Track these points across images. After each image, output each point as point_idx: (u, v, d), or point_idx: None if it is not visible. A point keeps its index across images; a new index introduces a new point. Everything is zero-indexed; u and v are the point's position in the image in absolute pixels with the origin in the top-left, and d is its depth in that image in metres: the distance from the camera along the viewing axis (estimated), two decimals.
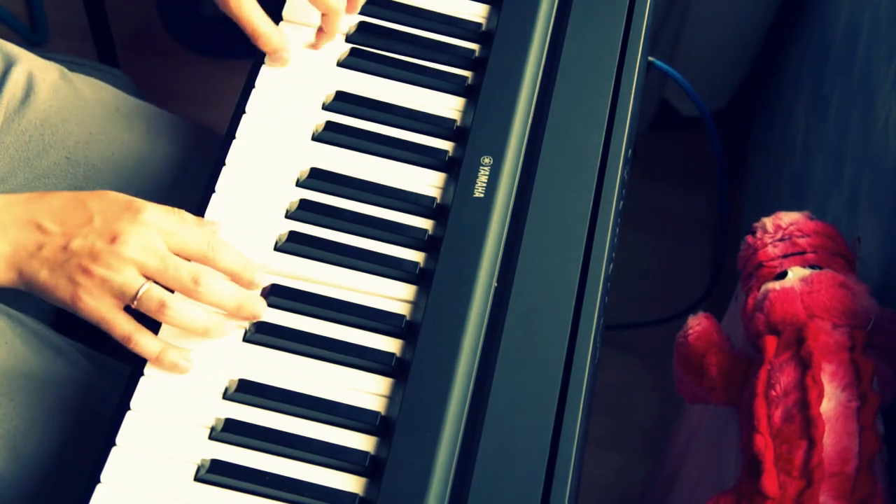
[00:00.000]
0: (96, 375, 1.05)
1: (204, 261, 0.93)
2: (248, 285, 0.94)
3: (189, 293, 0.91)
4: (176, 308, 0.90)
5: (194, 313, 0.91)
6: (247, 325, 0.94)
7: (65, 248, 0.90)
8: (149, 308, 0.90)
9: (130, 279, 0.90)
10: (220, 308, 0.92)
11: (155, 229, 0.91)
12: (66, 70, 1.17)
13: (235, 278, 0.94)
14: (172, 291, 0.92)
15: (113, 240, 0.90)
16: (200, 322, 0.91)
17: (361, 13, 1.12)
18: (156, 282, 0.91)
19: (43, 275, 0.90)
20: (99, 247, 0.90)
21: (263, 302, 0.94)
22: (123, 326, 0.90)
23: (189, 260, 0.93)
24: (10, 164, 1.10)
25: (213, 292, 0.91)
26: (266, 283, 0.96)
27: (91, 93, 1.16)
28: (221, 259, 0.93)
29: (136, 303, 0.90)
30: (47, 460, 0.98)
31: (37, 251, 0.90)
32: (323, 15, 1.07)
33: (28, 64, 1.13)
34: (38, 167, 1.11)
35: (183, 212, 0.94)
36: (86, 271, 0.89)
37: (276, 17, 1.10)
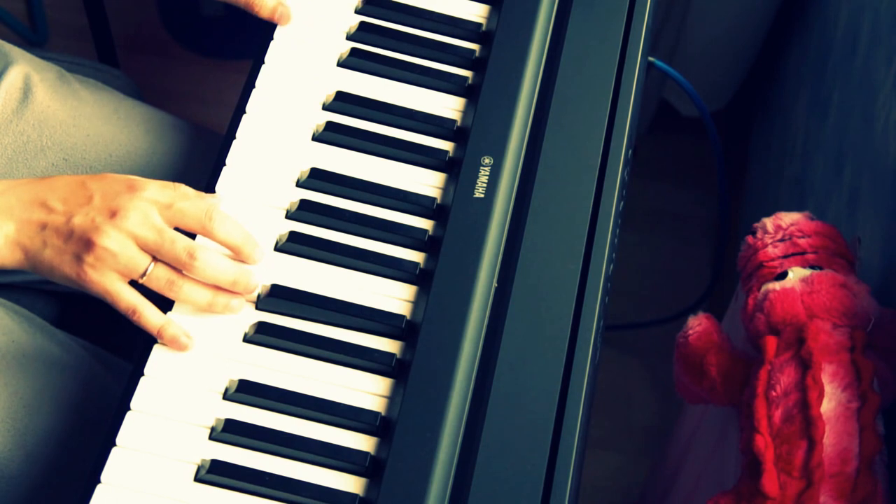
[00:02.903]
0: (100, 371, 1.05)
1: (202, 231, 0.94)
2: (247, 259, 0.95)
3: (184, 267, 0.93)
4: (183, 284, 0.92)
5: (198, 289, 0.93)
6: (255, 297, 0.95)
7: (66, 224, 0.92)
8: (158, 285, 0.92)
9: (135, 255, 0.92)
10: (216, 282, 0.94)
11: (153, 204, 0.93)
12: (64, 71, 1.17)
13: (236, 252, 0.95)
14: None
15: (113, 215, 0.92)
16: (205, 298, 0.93)
17: (361, 13, 1.12)
18: (155, 256, 0.93)
19: (47, 253, 0.92)
20: (99, 222, 0.92)
21: (256, 276, 0.95)
22: (129, 299, 0.92)
23: (189, 231, 0.94)
24: (7, 164, 1.10)
25: (209, 266, 0.93)
26: (264, 257, 0.96)
27: (89, 94, 1.16)
28: (220, 230, 0.94)
29: (144, 279, 0.92)
30: (53, 455, 0.99)
31: (40, 230, 0.93)
32: None
33: (25, 64, 1.13)
34: (36, 168, 1.11)
35: (182, 185, 0.96)
36: (89, 245, 0.91)
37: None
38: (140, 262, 0.92)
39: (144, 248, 0.92)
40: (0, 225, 0.93)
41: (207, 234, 0.94)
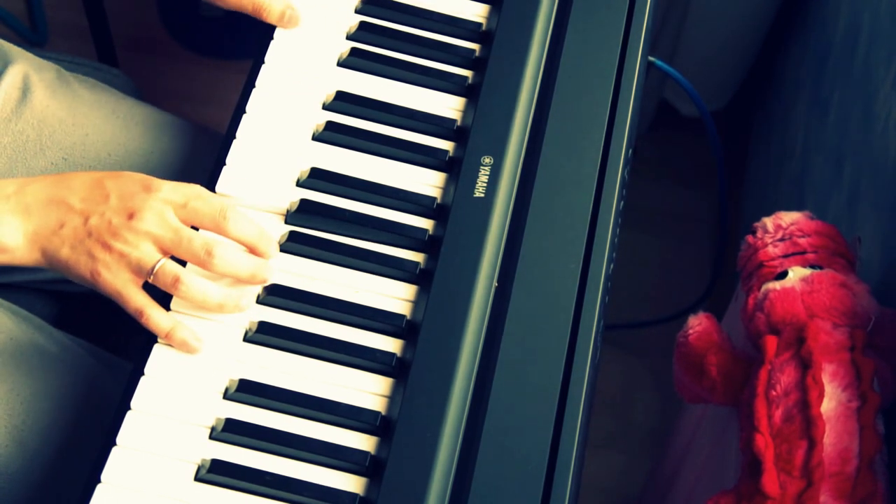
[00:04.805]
0: (100, 370, 1.06)
1: (216, 230, 0.94)
2: (263, 255, 0.96)
3: (202, 264, 0.93)
4: (189, 282, 0.92)
5: (208, 288, 0.93)
6: (258, 290, 0.94)
7: (84, 225, 0.93)
8: (164, 283, 0.92)
9: (147, 254, 0.92)
10: (235, 277, 0.94)
11: (168, 203, 0.93)
12: (63, 70, 1.17)
13: (251, 248, 0.95)
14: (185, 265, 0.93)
15: (130, 216, 0.92)
16: (214, 297, 0.93)
17: (361, 13, 1.12)
18: (172, 256, 0.93)
19: (64, 252, 0.93)
20: (116, 223, 0.92)
21: (272, 268, 0.95)
22: (137, 300, 0.92)
23: (203, 229, 0.94)
24: (6, 164, 1.10)
25: (226, 262, 0.93)
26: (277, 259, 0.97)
27: (88, 93, 1.17)
28: (234, 228, 0.94)
29: (152, 278, 0.92)
30: (52, 454, 0.99)
31: (58, 229, 0.93)
32: None
33: (25, 64, 1.13)
34: (35, 168, 1.11)
35: (196, 185, 0.96)
36: (105, 246, 0.92)
37: None
38: (150, 260, 0.92)
39: (161, 248, 0.92)
40: (19, 225, 0.93)
41: (222, 232, 0.94)
